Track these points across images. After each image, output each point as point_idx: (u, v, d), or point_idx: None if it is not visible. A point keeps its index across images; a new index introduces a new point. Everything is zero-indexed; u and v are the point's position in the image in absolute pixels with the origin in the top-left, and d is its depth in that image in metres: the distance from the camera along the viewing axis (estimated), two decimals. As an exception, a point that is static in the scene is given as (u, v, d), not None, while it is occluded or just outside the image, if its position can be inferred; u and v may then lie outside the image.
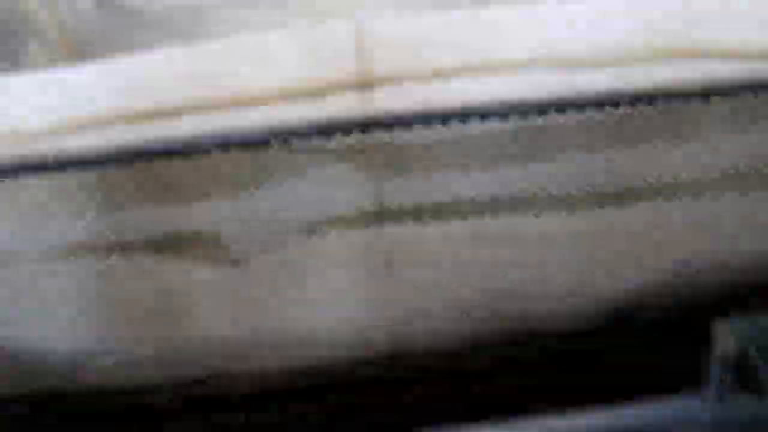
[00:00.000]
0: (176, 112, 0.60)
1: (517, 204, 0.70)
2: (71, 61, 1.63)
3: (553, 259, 0.74)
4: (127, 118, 0.60)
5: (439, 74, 0.58)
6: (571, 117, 0.63)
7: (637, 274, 0.76)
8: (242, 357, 0.80)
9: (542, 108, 0.61)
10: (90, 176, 0.62)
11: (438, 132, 0.62)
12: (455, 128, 0.62)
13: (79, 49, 1.65)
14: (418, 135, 0.62)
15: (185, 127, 0.60)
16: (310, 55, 0.59)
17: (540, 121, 0.62)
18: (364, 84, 0.59)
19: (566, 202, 0.70)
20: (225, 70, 0.60)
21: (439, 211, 0.69)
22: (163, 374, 0.79)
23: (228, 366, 0.81)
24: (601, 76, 0.62)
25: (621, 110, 0.63)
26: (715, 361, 0.73)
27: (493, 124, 0.62)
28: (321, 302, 0.75)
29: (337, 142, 0.62)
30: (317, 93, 0.59)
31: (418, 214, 0.69)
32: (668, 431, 0.74)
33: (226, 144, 0.59)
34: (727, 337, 0.73)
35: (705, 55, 0.63)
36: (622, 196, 0.71)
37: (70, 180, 0.61)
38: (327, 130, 0.59)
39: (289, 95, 0.60)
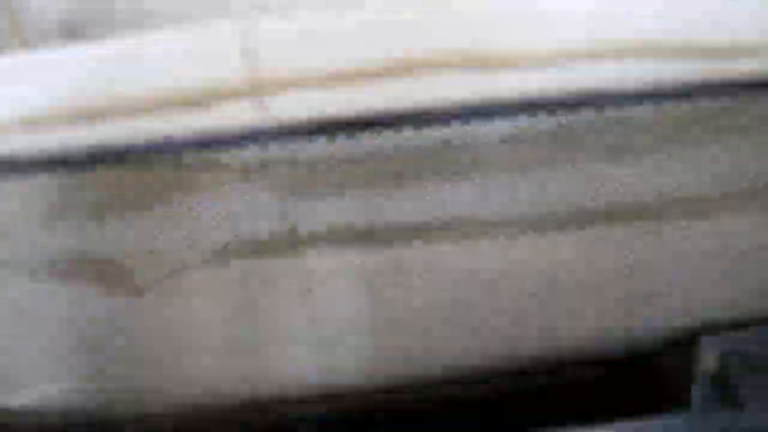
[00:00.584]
0: (50, 122, 0.54)
1: (442, 229, 0.63)
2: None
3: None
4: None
5: (334, 78, 0.52)
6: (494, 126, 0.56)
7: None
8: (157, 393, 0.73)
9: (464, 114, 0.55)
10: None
11: (336, 145, 0.56)
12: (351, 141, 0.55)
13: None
14: (318, 147, 0.55)
15: (60, 138, 0.54)
16: (194, 58, 0.53)
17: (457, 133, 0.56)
18: (255, 90, 0.53)
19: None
20: (106, 76, 0.54)
21: (356, 234, 0.62)
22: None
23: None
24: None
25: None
26: (698, 377, 0.72)
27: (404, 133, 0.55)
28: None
29: (233, 156, 0.56)
30: (203, 101, 0.53)
31: (333, 237, 0.62)
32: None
33: (104, 156, 0.53)
34: (711, 352, 0.72)
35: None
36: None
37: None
38: (215, 141, 0.53)
39: (173, 103, 0.54)
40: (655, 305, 0.71)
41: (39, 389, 0.74)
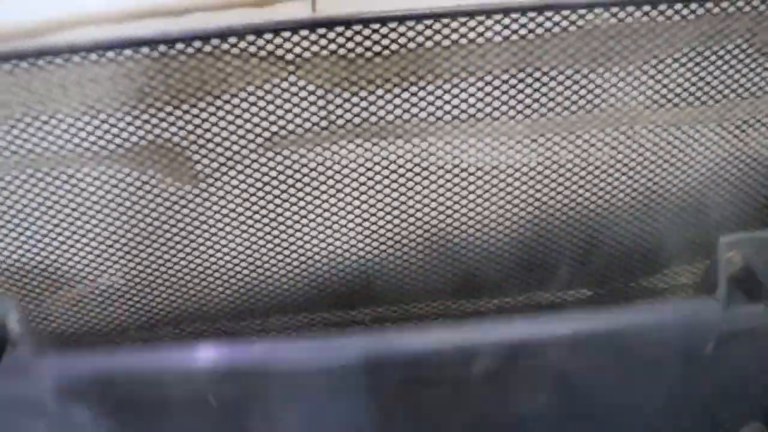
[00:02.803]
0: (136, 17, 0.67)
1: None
2: None
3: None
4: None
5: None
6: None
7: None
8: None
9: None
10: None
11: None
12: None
13: None
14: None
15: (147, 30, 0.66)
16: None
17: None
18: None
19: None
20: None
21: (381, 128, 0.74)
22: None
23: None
24: None
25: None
26: (721, 272, 0.79)
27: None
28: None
29: (286, 50, 0.68)
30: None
31: (367, 131, 0.74)
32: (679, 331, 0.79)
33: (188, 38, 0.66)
34: (732, 250, 0.80)
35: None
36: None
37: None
38: (274, 29, 0.66)
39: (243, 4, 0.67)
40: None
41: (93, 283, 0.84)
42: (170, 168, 0.76)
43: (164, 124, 0.73)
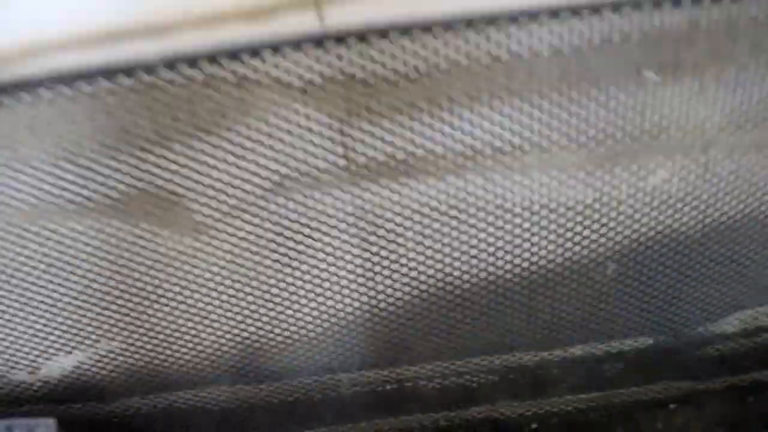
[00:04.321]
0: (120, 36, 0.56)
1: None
2: None
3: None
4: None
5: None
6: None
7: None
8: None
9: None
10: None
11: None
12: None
13: None
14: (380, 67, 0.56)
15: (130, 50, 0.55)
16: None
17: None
18: (315, 2, 0.55)
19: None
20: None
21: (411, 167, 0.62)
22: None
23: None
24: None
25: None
26: None
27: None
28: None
29: (296, 76, 0.57)
30: (269, 13, 0.55)
31: (389, 169, 0.63)
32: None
33: (173, 63, 0.55)
34: None
35: None
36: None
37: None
38: (279, 45, 0.55)
39: (239, 16, 0.55)
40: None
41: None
42: (166, 218, 0.65)
43: (155, 169, 0.61)
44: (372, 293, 0.71)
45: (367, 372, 0.80)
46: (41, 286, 0.68)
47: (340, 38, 0.55)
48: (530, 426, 0.90)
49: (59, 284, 0.68)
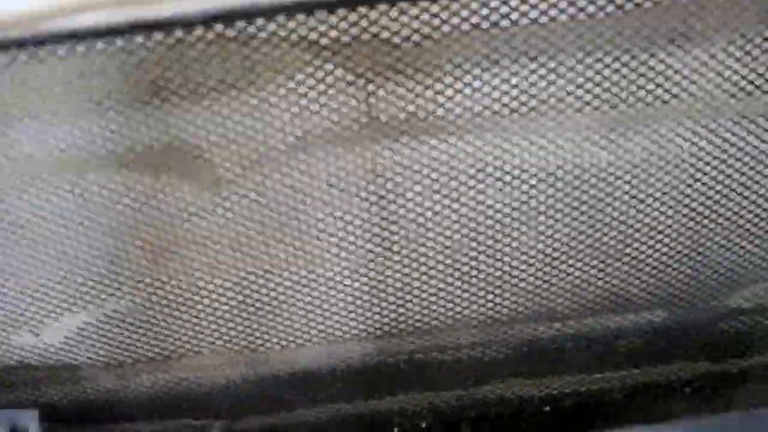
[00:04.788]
0: None
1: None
2: None
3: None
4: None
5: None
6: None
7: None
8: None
9: None
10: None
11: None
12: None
13: None
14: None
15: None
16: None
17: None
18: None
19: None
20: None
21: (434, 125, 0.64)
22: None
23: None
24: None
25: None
26: None
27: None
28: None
29: (319, 33, 0.59)
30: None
31: (410, 128, 0.64)
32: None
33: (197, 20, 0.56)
34: None
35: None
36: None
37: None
38: (308, 10, 0.57)
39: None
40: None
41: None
42: (188, 173, 0.67)
43: (181, 123, 0.63)
44: (388, 254, 0.72)
45: (378, 342, 0.80)
46: (58, 242, 0.70)
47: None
48: (543, 408, 0.90)
49: (76, 239, 0.69)
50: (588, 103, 0.64)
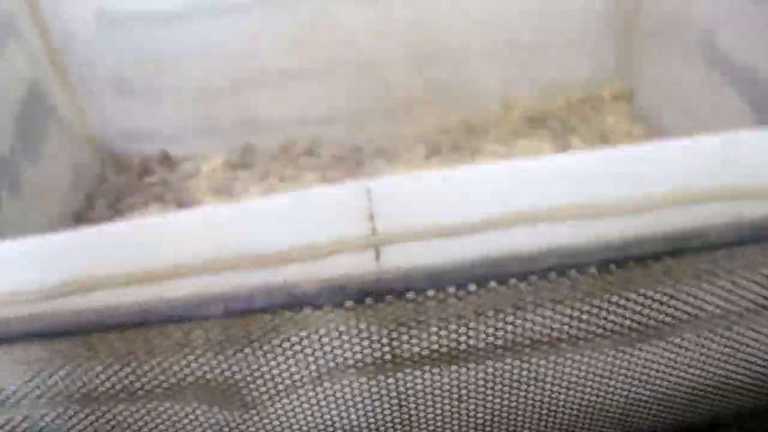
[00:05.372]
0: (179, 274, 0.58)
1: (535, 346, 0.67)
2: (88, 144, 1.64)
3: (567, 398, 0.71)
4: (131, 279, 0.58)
5: (444, 231, 0.56)
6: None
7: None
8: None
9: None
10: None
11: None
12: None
13: (97, 134, 1.66)
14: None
15: (187, 289, 0.58)
16: (319, 216, 0.57)
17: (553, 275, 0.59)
18: (373, 244, 0.57)
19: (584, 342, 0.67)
20: (233, 232, 0.58)
21: (455, 357, 0.66)
22: None
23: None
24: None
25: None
26: None
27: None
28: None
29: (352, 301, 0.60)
30: (327, 254, 0.57)
31: (433, 360, 0.66)
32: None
33: (230, 308, 0.57)
34: None
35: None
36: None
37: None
38: (338, 292, 0.57)
39: (297, 257, 0.58)
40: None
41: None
42: (217, 399, 0.69)
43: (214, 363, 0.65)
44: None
45: None
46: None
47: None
48: None
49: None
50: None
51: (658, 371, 0.74)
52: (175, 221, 0.56)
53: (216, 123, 1.65)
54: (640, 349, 0.70)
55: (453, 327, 0.64)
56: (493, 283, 0.60)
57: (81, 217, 1.52)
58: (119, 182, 1.62)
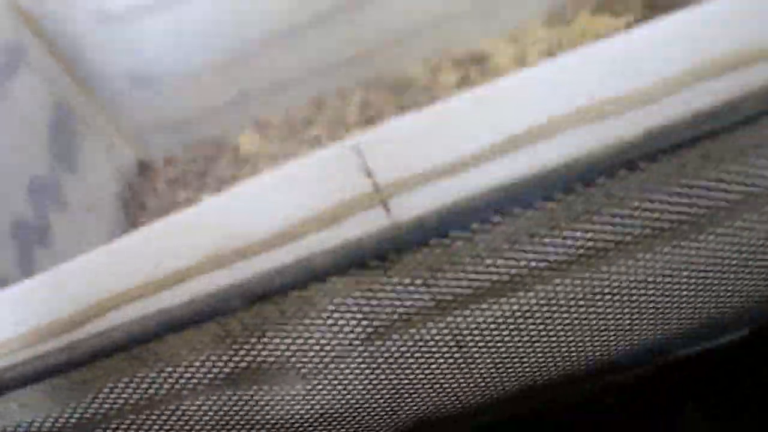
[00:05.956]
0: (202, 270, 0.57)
1: (580, 261, 0.63)
2: (126, 144, 1.65)
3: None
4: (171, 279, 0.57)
5: (448, 168, 0.52)
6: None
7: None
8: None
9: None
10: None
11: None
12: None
13: (131, 133, 1.66)
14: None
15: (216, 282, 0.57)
16: (319, 183, 0.54)
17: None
18: (378, 198, 0.54)
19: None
20: (236, 220, 0.56)
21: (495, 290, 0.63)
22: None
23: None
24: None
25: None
26: None
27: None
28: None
29: (374, 259, 0.57)
30: (337, 218, 0.55)
31: (477, 297, 0.63)
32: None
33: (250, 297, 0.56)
34: None
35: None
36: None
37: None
38: (356, 254, 0.55)
39: (307, 228, 0.55)
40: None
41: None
42: (278, 381, 0.69)
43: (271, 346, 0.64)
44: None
45: None
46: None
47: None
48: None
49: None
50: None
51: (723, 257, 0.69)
52: (174, 222, 0.55)
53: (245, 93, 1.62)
54: (691, 242, 0.65)
55: (489, 261, 0.60)
56: (517, 209, 0.57)
57: (135, 220, 1.55)
58: (168, 173, 1.63)
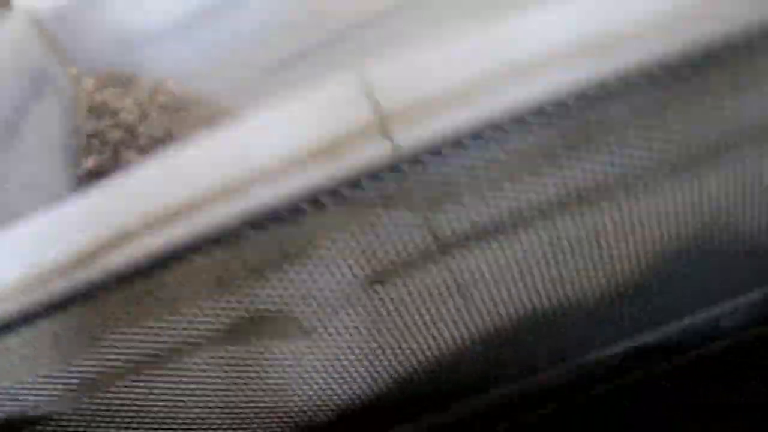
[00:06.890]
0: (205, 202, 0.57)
1: (583, 195, 0.63)
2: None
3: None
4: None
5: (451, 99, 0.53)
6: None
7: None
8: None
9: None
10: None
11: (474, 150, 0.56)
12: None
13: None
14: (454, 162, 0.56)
15: (217, 214, 0.57)
16: (321, 114, 0.55)
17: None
18: (382, 128, 0.54)
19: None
20: (240, 154, 0.57)
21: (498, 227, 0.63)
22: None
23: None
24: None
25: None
26: None
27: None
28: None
29: (374, 190, 0.57)
30: (340, 148, 0.55)
31: (476, 236, 0.63)
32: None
33: (261, 224, 0.56)
34: None
35: None
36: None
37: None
38: (358, 180, 0.55)
39: (312, 159, 0.56)
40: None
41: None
42: (278, 332, 0.68)
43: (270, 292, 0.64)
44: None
45: None
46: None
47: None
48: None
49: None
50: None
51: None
52: (179, 154, 0.55)
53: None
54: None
55: (489, 194, 0.60)
56: (516, 141, 0.57)
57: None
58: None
